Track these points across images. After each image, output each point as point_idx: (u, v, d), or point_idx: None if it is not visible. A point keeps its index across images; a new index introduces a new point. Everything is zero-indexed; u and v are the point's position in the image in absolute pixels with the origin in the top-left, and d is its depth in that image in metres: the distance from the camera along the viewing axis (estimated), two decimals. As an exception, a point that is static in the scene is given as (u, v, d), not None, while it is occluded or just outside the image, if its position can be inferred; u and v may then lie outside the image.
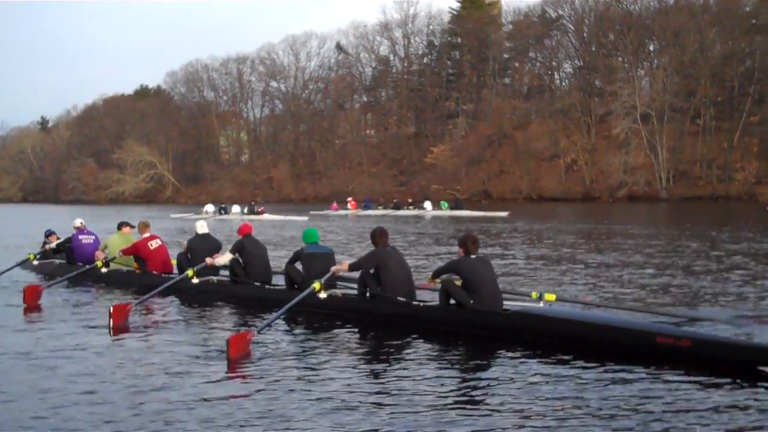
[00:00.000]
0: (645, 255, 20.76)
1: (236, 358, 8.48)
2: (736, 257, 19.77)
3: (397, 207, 60.20)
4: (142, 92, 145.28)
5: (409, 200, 64.77)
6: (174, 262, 15.03)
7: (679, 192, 77.76)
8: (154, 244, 15.28)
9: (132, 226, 16.43)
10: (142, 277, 14.88)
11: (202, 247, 14.26)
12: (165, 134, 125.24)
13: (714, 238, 26.53)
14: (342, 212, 60.43)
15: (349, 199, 67.07)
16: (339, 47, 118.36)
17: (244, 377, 7.83)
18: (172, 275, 14.51)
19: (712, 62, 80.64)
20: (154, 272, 14.88)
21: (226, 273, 13.72)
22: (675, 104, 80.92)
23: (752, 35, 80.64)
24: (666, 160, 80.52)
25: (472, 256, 10.20)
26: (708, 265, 18.09)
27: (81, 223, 17.69)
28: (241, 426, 6.25)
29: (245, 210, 57.50)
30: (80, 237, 17.22)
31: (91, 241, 17.20)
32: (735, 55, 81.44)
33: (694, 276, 15.86)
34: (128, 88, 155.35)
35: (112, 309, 10.79)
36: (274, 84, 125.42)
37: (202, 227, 14.81)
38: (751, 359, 7.81)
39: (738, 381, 7.37)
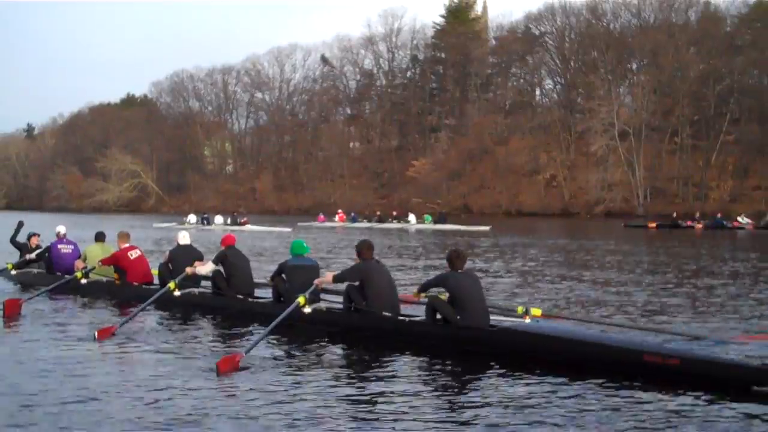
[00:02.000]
0: (626, 272, 21.02)
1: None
2: (713, 274, 20.03)
3: (381, 220, 61.02)
4: (129, 101, 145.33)
5: (394, 213, 65.78)
6: (155, 272, 14.79)
7: (655, 209, 78.39)
8: (133, 255, 15.02)
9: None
10: (122, 288, 14.67)
11: (183, 257, 14.04)
12: (150, 143, 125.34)
13: (692, 255, 27.03)
14: (329, 224, 60.86)
15: (339, 211, 67.62)
16: (324, 60, 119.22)
17: (231, 395, 7.71)
18: (152, 286, 14.39)
19: (690, 81, 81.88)
20: (135, 283, 14.65)
21: (208, 284, 13.61)
22: (653, 122, 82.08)
23: (730, 56, 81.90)
24: (643, 178, 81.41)
25: (459, 271, 10.15)
26: (688, 282, 18.33)
27: (63, 230, 17.36)
28: None
29: (228, 220, 57.45)
30: (59, 246, 16.91)
31: (71, 250, 16.88)
32: (712, 75, 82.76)
33: (677, 293, 16.00)
34: (115, 97, 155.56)
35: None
36: (258, 95, 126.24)
37: (183, 237, 14.66)
38: (741, 378, 7.76)
39: (727, 400, 7.36)
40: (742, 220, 54.71)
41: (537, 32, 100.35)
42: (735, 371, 7.85)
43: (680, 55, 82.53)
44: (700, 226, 53.12)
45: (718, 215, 57.28)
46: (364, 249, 11.12)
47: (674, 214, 58.96)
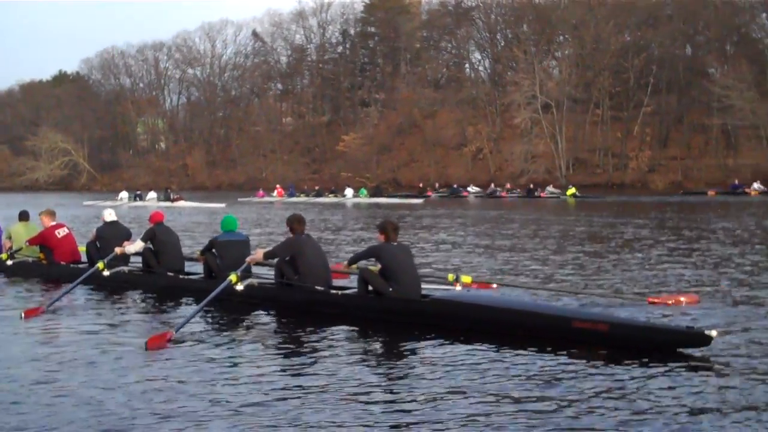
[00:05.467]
0: (550, 239, 21.61)
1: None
2: (632, 241, 20.77)
3: (318, 194, 61.69)
4: (60, 78, 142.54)
5: (332, 188, 66.98)
6: (82, 250, 14.59)
7: (577, 180, 79.81)
8: (61, 233, 14.68)
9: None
10: (49, 267, 14.40)
11: (111, 235, 13.89)
12: (81, 121, 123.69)
13: (611, 224, 27.86)
14: (268, 199, 61.28)
15: (277, 186, 67.63)
16: (255, 35, 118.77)
17: (163, 372, 7.66)
18: (80, 264, 14.25)
19: (610, 54, 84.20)
20: (62, 262, 14.39)
21: (138, 262, 13.43)
22: (575, 95, 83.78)
23: (652, 28, 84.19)
24: (565, 149, 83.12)
25: (393, 243, 10.23)
26: (611, 249, 18.95)
27: None
28: (162, 420, 6.18)
29: (161, 197, 57.27)
30: (-18, 227, 16.20)
31: (-6, 231, 16.23)
32: (631, 48, 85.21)
33: (601, 260, 16.51)
34: (46, 74, 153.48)
35: (23, 314, 10.53)
36: (190, 71, 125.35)
37: (110, 215, 14.45)
38: (668, 342, 8.08)
39: (653, 363, 7.62)
40: None
41: (467, 6, 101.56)
42: (661, 335, 8.17)
43: (600, 28, 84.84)
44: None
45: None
46: (295, 223, 11.12)
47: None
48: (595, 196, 56.39)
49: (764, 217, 31.84)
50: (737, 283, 12.85)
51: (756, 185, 60.81)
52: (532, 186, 64.30)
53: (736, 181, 63.80)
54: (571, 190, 58.56)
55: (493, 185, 67.46)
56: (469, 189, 67.50)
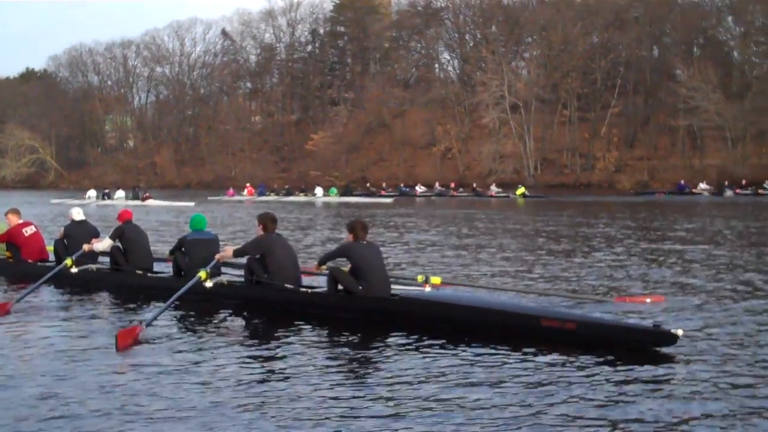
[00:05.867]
0: (513, 239, 21.91)
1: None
2: (597, 241, 21.08)
3: (289, 193, 61.98)
4: (28, 75, 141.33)
5: (302, 186, 67.13)
6: (50, 248, 14.51)
7: (545, 179, 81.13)
8: (28, 231, 14.52)
9: None
10: (16, 265, 14.24)
11: (79, 233, 13.84)
12: (49, 119, 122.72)
13: (581, 224, 28.28)
14: (238, 198, 61.30)
15: (247, 185, 67.67)
16: (224, 33, 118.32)
17: (132, 370, 7.64)
18: (48, 263, 14.12)
19: (577, 56, 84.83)
20: (29, 260, 14.23)
21: (106, 260, 13.37)
22: (542, 95, 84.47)
23: (619, 30, 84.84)
24: (533, 149, 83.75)
25: (362, 242, 10.25)
26: (579, 249, 19.22)
27: None
28: (131, 418, 6.17)
29: (129, 195, 56.87)
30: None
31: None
32: (598, 50, 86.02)
33: (570, 259, 16.74)
34: (14, 71, 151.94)
35: None
36: (159, 69, 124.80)
37: (78, 213, 14.39)
38: (635, 340, 8.19)
39: (620, 361, 7.74)
40: None
41: (436, 6, 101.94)
42: (628, 333, 8.27)
43: (568, 30, 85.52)
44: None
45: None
46: (268, 222, 11.11)
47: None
48: (542, 196, 58.10)
49: (716, 216, 32.48)
50: (702, 283, 13.07)
51: (702, 185, 63.28)
52: (474, 185, 66.80)
53: (682, 182, 65.72)
54: (521, 190, 59.85)
55: (437, 185, 68.73)
56: (417, 188, 68.34)
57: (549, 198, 55.89)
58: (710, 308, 10.62)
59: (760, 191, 58.89)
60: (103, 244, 13.34)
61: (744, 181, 63.24)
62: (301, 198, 59.44)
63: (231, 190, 65.98)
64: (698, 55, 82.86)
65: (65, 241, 13.92)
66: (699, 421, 5.98)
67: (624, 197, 57.59)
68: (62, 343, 8.86)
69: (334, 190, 62.68)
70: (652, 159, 79.89)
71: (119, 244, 13.16)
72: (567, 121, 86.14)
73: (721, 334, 9.00)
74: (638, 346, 8.17)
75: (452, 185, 68.31)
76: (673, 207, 42.65)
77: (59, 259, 13.51)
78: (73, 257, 13.06)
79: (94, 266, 13.33)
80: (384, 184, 73.64)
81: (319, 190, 61.93)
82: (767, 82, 77.18)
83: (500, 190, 63.07)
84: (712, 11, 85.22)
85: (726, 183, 62.35)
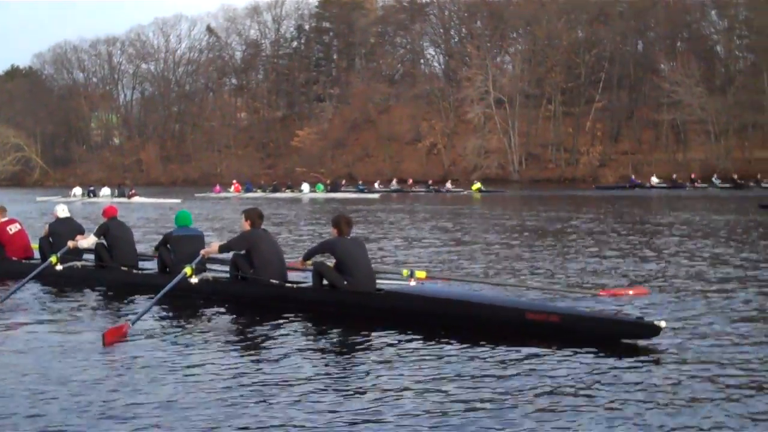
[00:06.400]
0: (506, 234, 21.98)
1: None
2: (582, 235, 21.16)
3: (275, 190, 62.47)
4: (12, 73, 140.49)
5: (288, 183, 67.30)
6: (35, 246, 14.37)
7: (530, 174, 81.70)
8: (13, 229, 14.40)
9: None
10: (1, 263, 14.09)
11: (63, 231, 13.76)
12: (33, 116, 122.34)
13: (564, 218, 28.28)
14: (224, 195, 61.24)
15: (234, 182, 67.65)
16: (209, 30, 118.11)
17: (119, 367, 7.63)
18: (33, 260, 14.01)
19: (561, 51, 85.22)
20: (14, 258, 14.14)
21: (92, 257, 13.30)
22: (527, 90, 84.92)
23: (599, 25, 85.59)
24: (518, 144, 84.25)
25: (347, 237, 10.26)
26: (564, 242, 19.27)
27: None
28: (119, 414, 6.16)
29: (115, 193, 56.35)
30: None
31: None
32: (582, 45, 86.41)
33: (553, 253, 16.81)
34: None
35: None
36: (144, 66, 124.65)
37: (63, 210, 14.31)
38: (619, 332, 8.23)
39: (604, 353, 7.78)
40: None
41: (421, 2, 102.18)
42: (612, 325, 8.29)
43: (552, 25, 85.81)
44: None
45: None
46: (255, 217, 11.07)
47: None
48: (497, 191, 60.15)
49: (670, 209, 32.86)
50: (684, 276, 13.19)
51: (654, 179, 64.56)
52: (431, 182, 67.55)
53: (633, 177, 66.56)
54: (476, 186, 61.50)
55: (395, 181, 69.39)
56: (375, 185, 68.79)
57: (503, 193, 58.26)
58: (692, 300, 10.71)
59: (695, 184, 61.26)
60: (88, 241, 13.29)
61: (693, 174, 64.75)
62: (287, 194, 59.56)
63: (218, 187, 65.81)
64: (682, 50, 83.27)
65: (50, 238, 13.87)
66: (681, 412, 6.02)
67: (584, 191, 58.88)
68: (48, 340, 8.84)
69: (320, 186, 62.76)
70: (636, 153, 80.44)
71: (104, 241, 13.08)
72: (551, 116, 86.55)
73: (703, 325, 9.07)
74: (621, 338, 8.22)
75: (410, 181, 69.58)
76: (630, 201, 43.24)
77: (44, 257, 13.45)
78: (58, 254, 13.00)
79: (79, 263, 13.27)
80: (343, 181, 73.16)
81: (305, 187, 62.04)
82: (750, 76, 77.88)
83: (453, 186, 64.47)
84: (696, 5, 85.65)
85: (674, 176, 64.29)
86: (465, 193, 59.50)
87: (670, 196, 49.61)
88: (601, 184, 66.93)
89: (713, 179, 61.69)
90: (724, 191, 55.07)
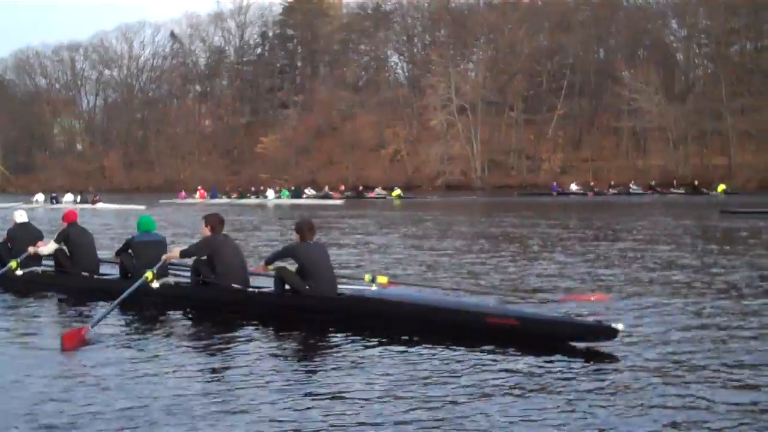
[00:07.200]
0: (466, 240, 22.36)
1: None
2: (538, 241, 21.59)
3: (241, 196, 62.72)
4: None
5: (252, 189, 67.69)
6: None
7: (492, 181, 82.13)
8: None
9: None
10: None
11: (22, 236, 13.62)
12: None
13: (525, 225, 28.89)
14: (190, 201, 61.26)
15: (199, 188, 67.64)
16: (173, 36, 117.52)
17: (79, 373, 7.54)
18: None
19: (523, 58, 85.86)
20: None
21: (51, 263, 13.20)
22: (489, 98, 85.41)
23: (560, 32, 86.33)
24: (480, 151, 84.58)
25: (309, 242, 10.30)
26: (522, 249, 19.68)
27: None
28: (76, 419, 6.11)
29: (78, 199, 56.19)
30: None
31: None
32: (544, 52, 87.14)
33: (515, 260, 17.11)
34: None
35: None
36: (107, 72, 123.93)
37: (21, 216, 14.18)
38: (576, 335, 8.28)
39: (560, 356, 7.83)
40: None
41: (385, 9, 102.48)
42: (570, 328, 8.35)
43: (514, 32, 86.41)
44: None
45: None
46: (216, 223, 11.09)
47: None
48: (418, 197, 63.44)
49: (592, 216, 33.46)
50: (644, 282, 13.41)
51: (573, 186, 67.71)
52: (361, 188, 69.67)
53: (555, 184, 68.66)
54: (396, 192, 63.87)
55: (327, 188, 70.03)
56: (306, 191, 69.27)
57: (426, 198, 62.01)
58: (652, 305, 10.83)
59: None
60: (48, 247, 13.18)
61: (613, 182, 68.29)
62: (253, 200, 59.91)
63: (183, 193, 65.93)
64: (643, 58, 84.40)
65: (9, 244, 13.77)
66: (636, 416, 6.08)
67: (510, 198, 61.04)
68: (7, 344, 8.83)
69: (285, 192, 63.11)
70: (597, 160, 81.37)
71: (64, 247, 13.01)
72: (513, 123, 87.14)
73: (662, 329, 9.16)
74: (579, 341, 8.26)
75: (341, 187, 70.74)
76: (557, 206, 45.23)
77: (2, 263, 13.31)
78: (19, 259, 12.96)
79: (39, 269, 13.23)
80: (277, 187, 72.29)
81: (270, 193, 62.69)
82: (709, 84, 79.04)
83: (383, 192, 66.14)
84: (657, 14, 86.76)
85: (591, 184, 68.18)
86: (387, 198, 61.79)
87: (583, 202, 51.98)
88: (525, 191, 69.40)
89: (643, 184, 65.52)
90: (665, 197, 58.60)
